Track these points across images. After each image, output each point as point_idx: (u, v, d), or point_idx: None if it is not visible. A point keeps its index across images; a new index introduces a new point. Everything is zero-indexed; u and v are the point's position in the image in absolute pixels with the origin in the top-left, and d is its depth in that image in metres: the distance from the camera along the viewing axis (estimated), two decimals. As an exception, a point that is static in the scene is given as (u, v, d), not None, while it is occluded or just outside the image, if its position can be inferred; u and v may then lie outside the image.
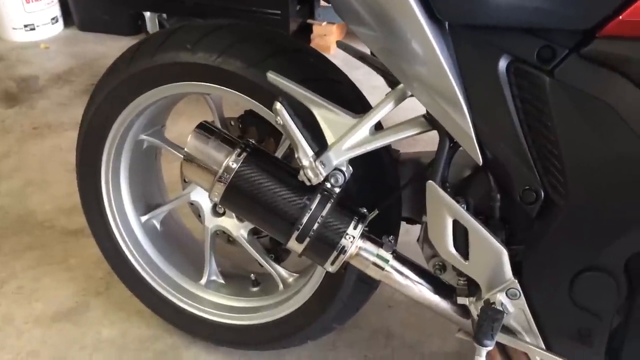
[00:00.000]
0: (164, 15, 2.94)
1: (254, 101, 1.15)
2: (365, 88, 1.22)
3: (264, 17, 2.63)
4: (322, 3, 2.95)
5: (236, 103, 1.24)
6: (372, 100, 1.20)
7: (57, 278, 1.71)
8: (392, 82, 1.18)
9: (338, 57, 1.22)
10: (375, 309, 1.59)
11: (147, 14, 3.03)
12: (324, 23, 3.02)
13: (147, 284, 1.45)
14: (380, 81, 1.17)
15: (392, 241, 1.09)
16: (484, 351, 0.95)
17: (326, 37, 3.02)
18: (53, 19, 3.28)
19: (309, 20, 3.02)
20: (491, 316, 0.96)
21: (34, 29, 3.21)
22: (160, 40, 1.19)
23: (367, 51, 1.24)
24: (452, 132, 0.94)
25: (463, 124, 0.91)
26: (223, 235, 1.42)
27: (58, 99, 2.65)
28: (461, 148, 0.97)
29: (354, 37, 1.04)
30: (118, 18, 3.18)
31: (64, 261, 1.76)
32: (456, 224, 0.98)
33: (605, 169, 0.87)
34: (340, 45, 1.34)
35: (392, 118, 1.03)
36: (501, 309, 0.99)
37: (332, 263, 1.06)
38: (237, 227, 1.37)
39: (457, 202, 0.97)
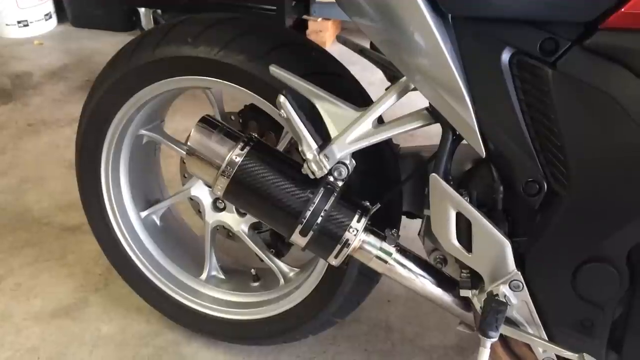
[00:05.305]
0: (159, 11, 2.93)
1: (255, 95, 1.15)
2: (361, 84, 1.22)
3: (260, 13, 2.62)
4: (318, -1, 2.95)
5: (233, 98, 1.23)
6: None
7: (55, 274, 1.70)
8: (391, 76, 1.18)
9: (334, 53, 1.22)
10: (375, 303, 1.59)
11: (142, 10, 3.02)
12: (319, 19, 3.02)
13: (147, 280, 1.45)
14: (376, 77, 1.17)
15: (395, 234, 1.09)
16: (488, 342, 0.96)
17: (321, 33, 3.02)
18: (46, 15, 3.26)
19: (304, 17, 3.02)
20: (495, 308, 0.97)
21: (27, 25, 3.19)
22: (162, 34, 1.18)
23: (366, 45, 1.25)
24: (455, 125, 0.95)
25: (466, 117, 0.91)
26: (223, 231, 1.42)
27: (53, 95, 2.64)
28: (464, 141, 0.97)
29: (349, 34, 1.04)
30: (112, 14, 3.17)
31: (62, 258, 1.76)
32: (459, 216, 0.98)
33: (608, 160, 0.88)
34: (339, 39, 1.34)
35: (390, 113, 1.03)
36: (504, 300, 0.99)
37: (336, 256, 1.06)
38: (237, 222, 1.37)
39: (460, 194, 0.97)
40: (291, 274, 1.38)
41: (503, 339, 1.10)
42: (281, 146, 1.28)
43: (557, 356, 1.05)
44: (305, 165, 1.04)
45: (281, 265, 1.38)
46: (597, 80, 0.84)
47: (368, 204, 1.08)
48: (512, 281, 0.99)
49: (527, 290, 1.00)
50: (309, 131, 1.02)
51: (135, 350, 1.49)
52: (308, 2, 2.98)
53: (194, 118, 1.14)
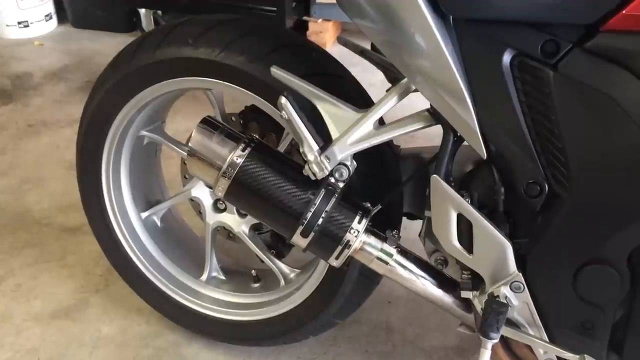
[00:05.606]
0: (159, 12, 2.93)
1: (256, 96, 1.15)
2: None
3: (260, 14, 2.63)
4: (318, 0, 2.94)
5: (233, 99, 1.23)
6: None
7: (55, 275, 1.70)
8: (392, 77, 1.19)
9: (334, 54, 1.22)
10: (375, 304, 1.59)
11: (142, 11, 3.02)
12: (320, 20, 3.02)
13: (148, 281, 1.45)
14: (376, 78, 1.17)
15: (396, 236, 1.09)
16: (489, 344, 0.96)
17: (322, 34, 3.02)
18: (47, 15, 3.26)
19: (305, 18, 3.02)
20: (496, 309, 0.97)
21: (27, 26, 3.19)
22: (162, 36, 1.18)
23: (367, 46, 1.25)
24: (456, 126, 0.95)
25: (467, 118, 0.91)
26: (224, 232, 1.42)
27: (53, 96, 2.64)
28: (465, 142, 0.97)
29: (350, 35, 1.04)
30: (113, 15, 3.17)
31: (62, 258, 1.76)
32: (460, 218, 0.98)
33: (609, 162, 0.88)
34: (340, 40, 1.34)
35: (391, 114, 1.03)
36: (505, 302, 0.99)
37: (337, 258, 1.06)
38: (238, 223, 1.37)
39: (462, 196, 0.97)
40: (292, 275, 1.38)
41: (504, 340, 1.10)
42: (282, 147, 1.28)
43: (558, 357, 1.05)
44: (306, 167, 1.04)
45: (282, 266, 1.38)
46: (598, 82, 0.84)
47: (369, 205, 1.09)
48: (513, 282, 0.99)
49: (528, 292, 1.00)
50: (310, 132, 1.02)
51: (135, 352, 1.49)
52: (308, 3, 2.98)
53: (195, 119, 1.15)
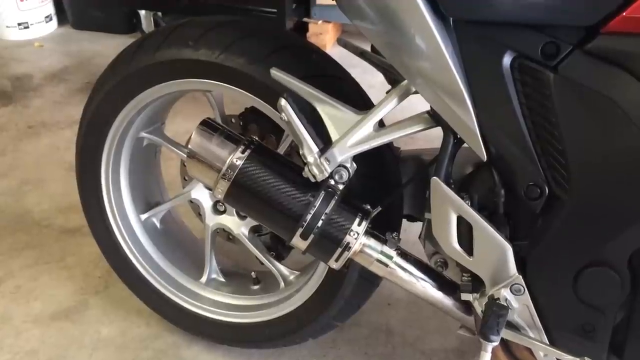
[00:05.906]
0: (159, 14, 2.94)
1: (256, 98, 1.15)
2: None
3: (260, 15, 2.63)
4: (318, 1, 2.95)
5: (233, 100, 1.23)
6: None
7: (55, 277, 1.70)
8: (392, 79, 1.19)
9: (334, 56, 1.22)
10: (375, 306, 1.59)
11: (142, 12, 3.03)
12: (320, 22, 3.02)
13: (147, 283, 1.45)
14: (376, 80, 1.17)
15: (396, 238, 1.09)
16: (489, 346, 0.96)
17: (322, 35, 3.02)
18: (47, 17, 3.26)
19: (305, 19, 3.02)
20: (496, 311, 0.97)
21: (27, 27, 3.19)
22: (162, 37, 1.18)
23: (367, 48, 1.25)
24: (456, 128, 0.95)
25: (467, 120, 0.91)
26: (223, 233, 1.42)
27: (53, 97, 2.64)
28: (465, 144, 0.97)
29: (350, 36, 1.04)
30: (113, 16, 3.17)
31: (62, 260, 1.75)
32: (460, 220, 0.98)
33: (609, 164, 0.88)
34: (340, 41, 1.34)
35: (391, 116, 1.03)
36: (505, 304, 0.99)
37: (337, 260, 1.06)
38: (237, 225, 1.37)
39: (462, 198, 0.97)
40: (291, 277, 1.37)
41: (504, 342, 1.10)
42: (282, 149, 1.28)
43: (558, 360, 1.05)
44: (306, 169, 1.04)
45: (281, 269, 1.37)
46: (598, 84, 0.84)
47: (369, 207, 1.08)
48: (513, 285, 0.99)
49: (528, 294, 0.99)
50: (309, 134, 1.02)
51: (135, 353, 1.49)
52: (308, 5, 2.98)
53: (195, 120, 1.15)
